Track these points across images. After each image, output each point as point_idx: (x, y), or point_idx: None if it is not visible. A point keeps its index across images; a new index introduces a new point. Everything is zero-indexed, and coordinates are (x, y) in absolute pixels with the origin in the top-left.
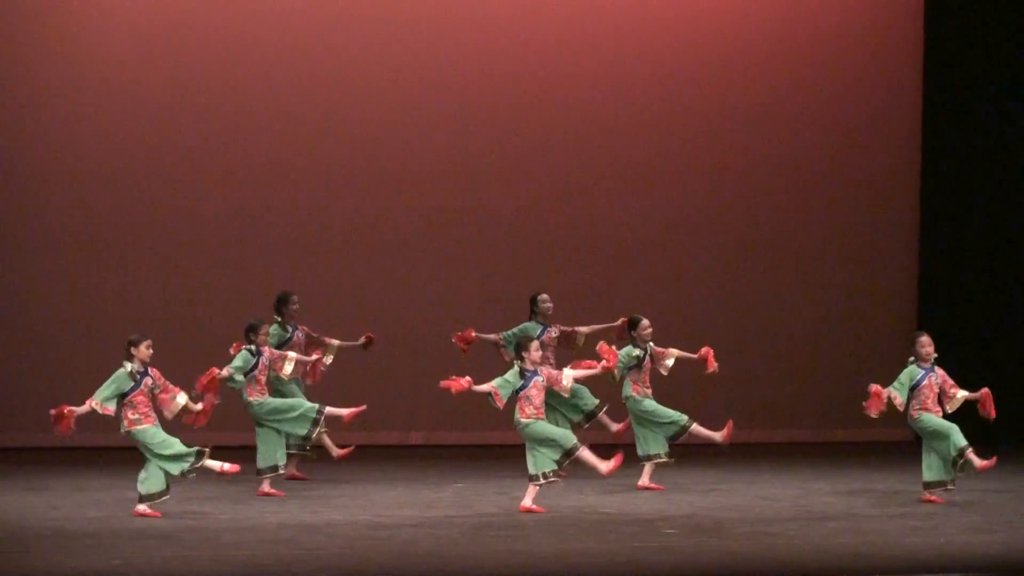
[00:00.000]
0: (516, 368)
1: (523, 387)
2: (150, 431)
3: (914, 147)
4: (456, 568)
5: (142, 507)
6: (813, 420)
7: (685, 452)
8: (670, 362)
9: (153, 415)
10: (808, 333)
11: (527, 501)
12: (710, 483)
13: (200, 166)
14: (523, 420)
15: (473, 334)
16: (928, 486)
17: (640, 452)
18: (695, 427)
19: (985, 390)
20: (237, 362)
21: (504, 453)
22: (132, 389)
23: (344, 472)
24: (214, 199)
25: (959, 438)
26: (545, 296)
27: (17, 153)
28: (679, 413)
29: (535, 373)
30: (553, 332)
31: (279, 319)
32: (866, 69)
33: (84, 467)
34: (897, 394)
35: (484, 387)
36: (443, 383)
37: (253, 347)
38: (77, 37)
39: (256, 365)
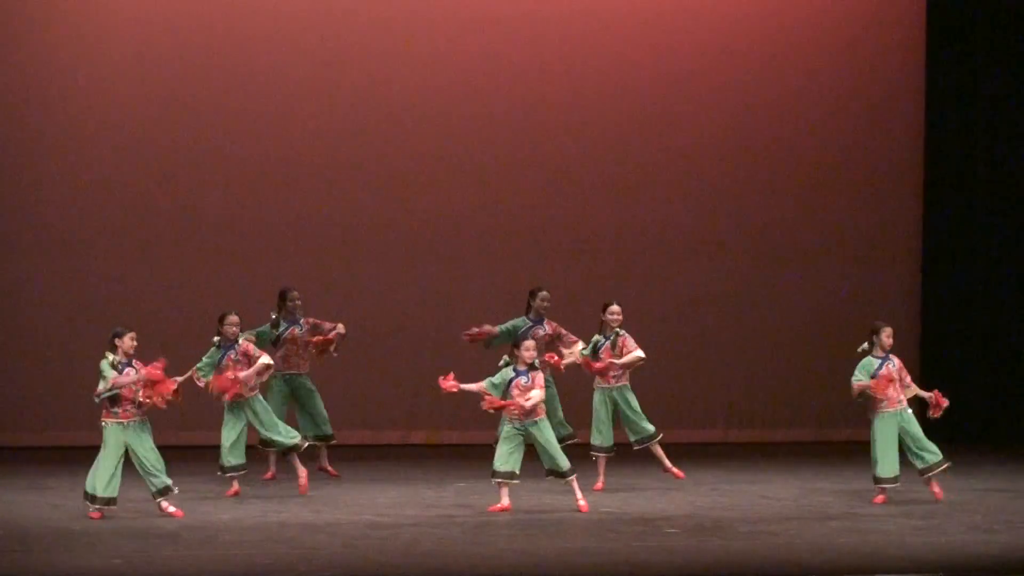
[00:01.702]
0: (509, 368)
1: (508, 384)
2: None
3: (917, 146)
4: (457, 567)
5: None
6: (813, 420)
7: (685, 452)
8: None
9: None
10: (809, 333)
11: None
12: (711, 483)
13: (200, 166)
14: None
15: (487, 327)
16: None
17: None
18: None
19: (936, 392)
20: (203, 360)
21: None
22: None
23: (345, 472)
24: (214, 199)
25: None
26: (545, 294)
27: (16, 153)
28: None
29: (522, 373)
30: (545, 329)
31: (276, 314)
32: (869, 67)
33: (84, 467)
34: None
35: (473, 387)
36: (441, 383)
37: (218, 339)
38: (76, 37)
39: (223, 358)
